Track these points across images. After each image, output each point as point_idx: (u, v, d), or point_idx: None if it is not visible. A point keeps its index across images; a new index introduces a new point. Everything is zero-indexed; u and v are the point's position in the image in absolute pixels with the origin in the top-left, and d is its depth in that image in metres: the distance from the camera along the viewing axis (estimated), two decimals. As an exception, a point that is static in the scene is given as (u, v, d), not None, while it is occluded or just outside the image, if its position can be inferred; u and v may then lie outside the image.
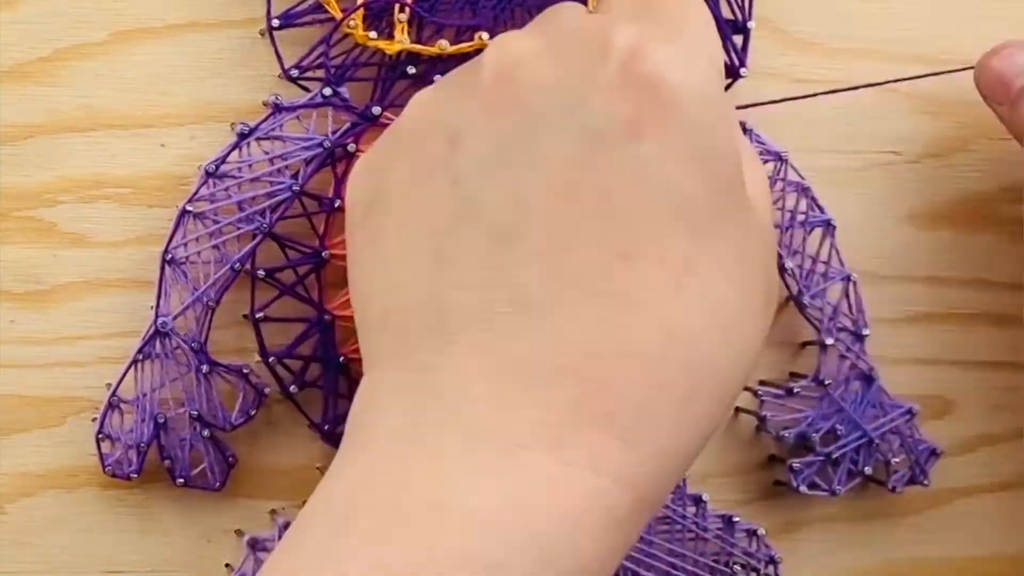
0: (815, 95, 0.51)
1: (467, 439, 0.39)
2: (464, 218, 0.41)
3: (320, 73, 0.50)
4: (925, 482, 0.52)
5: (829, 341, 0.51)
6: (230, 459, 0.51)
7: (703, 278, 0.40)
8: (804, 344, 0.53)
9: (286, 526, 0.51)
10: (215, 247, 0.50)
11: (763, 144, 0.51)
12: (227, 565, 0.52)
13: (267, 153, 0.50)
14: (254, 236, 0.50)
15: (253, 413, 0.51)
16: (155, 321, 0.50)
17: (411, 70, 0.50)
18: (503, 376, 0.40)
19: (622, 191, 0.40)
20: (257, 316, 0.50)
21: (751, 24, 0.51)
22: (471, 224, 0.41)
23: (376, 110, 0.50)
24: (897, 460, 0.52)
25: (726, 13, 0.51)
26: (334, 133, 0.50)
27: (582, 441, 0.39)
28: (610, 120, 0.41)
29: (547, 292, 0.40)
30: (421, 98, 0.45)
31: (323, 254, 0.50)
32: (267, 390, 0.51)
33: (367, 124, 0.50)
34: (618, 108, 0.41)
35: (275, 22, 0.50)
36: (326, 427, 0.51)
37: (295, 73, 0.50)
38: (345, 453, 0.41)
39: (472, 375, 0.40)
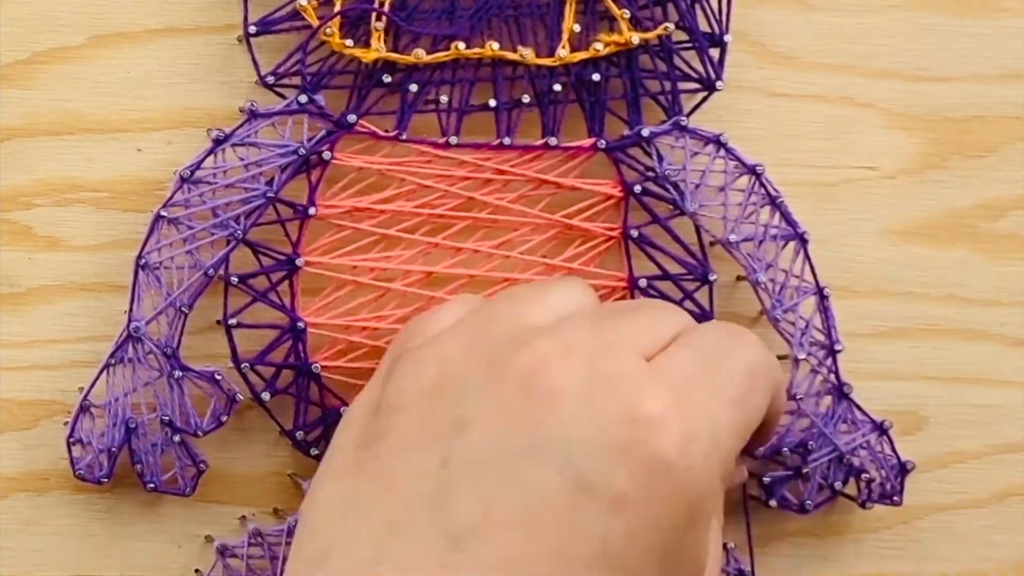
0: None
1: None
2: (434, 507, 0.42)
3: (296, 80, 0.50)
4: (896, 499, 0.52)
5: (801, 356, 0.51)
6: (200, 465, 0.51)
7: None
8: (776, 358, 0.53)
9: (256, 533, 0.51)
10: (189, 252, 0.50)
11: (737, 158, 0.51)
12: (196, 571, 0.52)
13: (242, 159, 0.50)
14: (228, 242, 0.50)
15: (224, 419, 0.51)
16: (128, 326, 0.50)
17: (387, 78, 0.50)
18: None
19: (580, 552, 0.41)
20: (229, 322, 0.50)
21: (728, 38, 0.51)
22: (437, 516, 0.41)
23: (351, 118, 0.50)
24: (868, 476, 0.52)
25: (703, 26, 0.51)
26: (309, 140, 0.50)
27: None
28: (602, 479, 0.41)
29: None
30: (447, 348, 0.44)
31: (296, 261, 0.50)
32: (238, 396, 0.51)
33: (342, 132, 0.50)
34: (616, 475, 0.41)
35: (252, 28, 0.50)
36: (297, 434, 0.51)
37: (271, 80, 0.50)
38: None
39: None
